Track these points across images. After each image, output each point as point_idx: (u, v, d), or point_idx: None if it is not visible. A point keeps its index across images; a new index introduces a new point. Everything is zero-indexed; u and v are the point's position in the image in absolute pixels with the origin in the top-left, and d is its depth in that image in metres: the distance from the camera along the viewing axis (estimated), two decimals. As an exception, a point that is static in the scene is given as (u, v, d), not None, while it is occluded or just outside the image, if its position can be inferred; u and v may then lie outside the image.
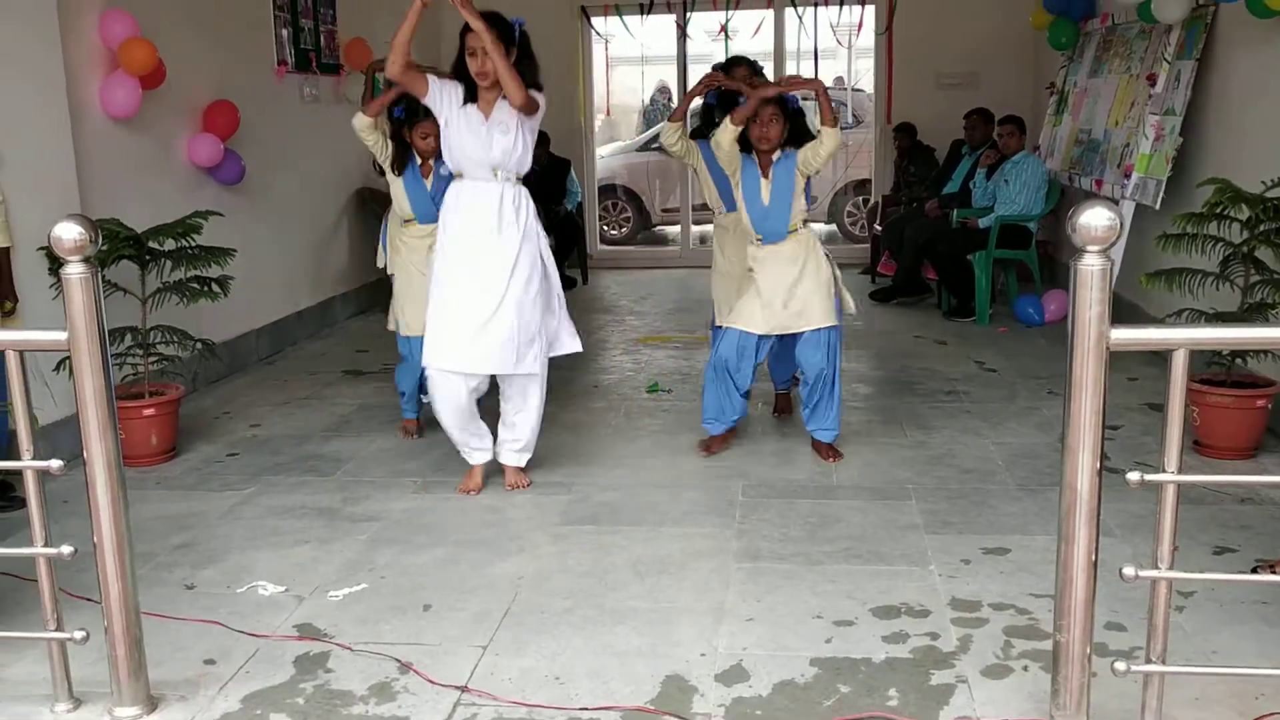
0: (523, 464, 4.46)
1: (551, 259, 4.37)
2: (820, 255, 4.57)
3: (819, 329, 4.52)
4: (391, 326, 5.11)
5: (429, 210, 4.82)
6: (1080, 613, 2.40)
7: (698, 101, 5.03)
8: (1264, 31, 4.99)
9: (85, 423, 2.58)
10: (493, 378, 4.36)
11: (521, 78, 4.03)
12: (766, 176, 4.48)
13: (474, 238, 4.17)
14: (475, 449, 4.40)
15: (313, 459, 4.85)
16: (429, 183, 4.87)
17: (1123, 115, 6.51)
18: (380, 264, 5.22)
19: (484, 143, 4.13)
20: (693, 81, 10.62)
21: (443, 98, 4.16)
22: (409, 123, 4.82)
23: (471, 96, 4.15)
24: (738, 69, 5.07)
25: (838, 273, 4.62)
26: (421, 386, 4.94)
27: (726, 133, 4.41)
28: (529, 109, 4.09)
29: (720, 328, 5.07)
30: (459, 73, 4.16)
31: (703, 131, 5.03)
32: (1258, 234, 4.36)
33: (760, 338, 4.57)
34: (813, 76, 4.46)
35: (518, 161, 4.18)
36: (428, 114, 4.60)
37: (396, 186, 4.90)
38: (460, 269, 4.17)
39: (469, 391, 4.26)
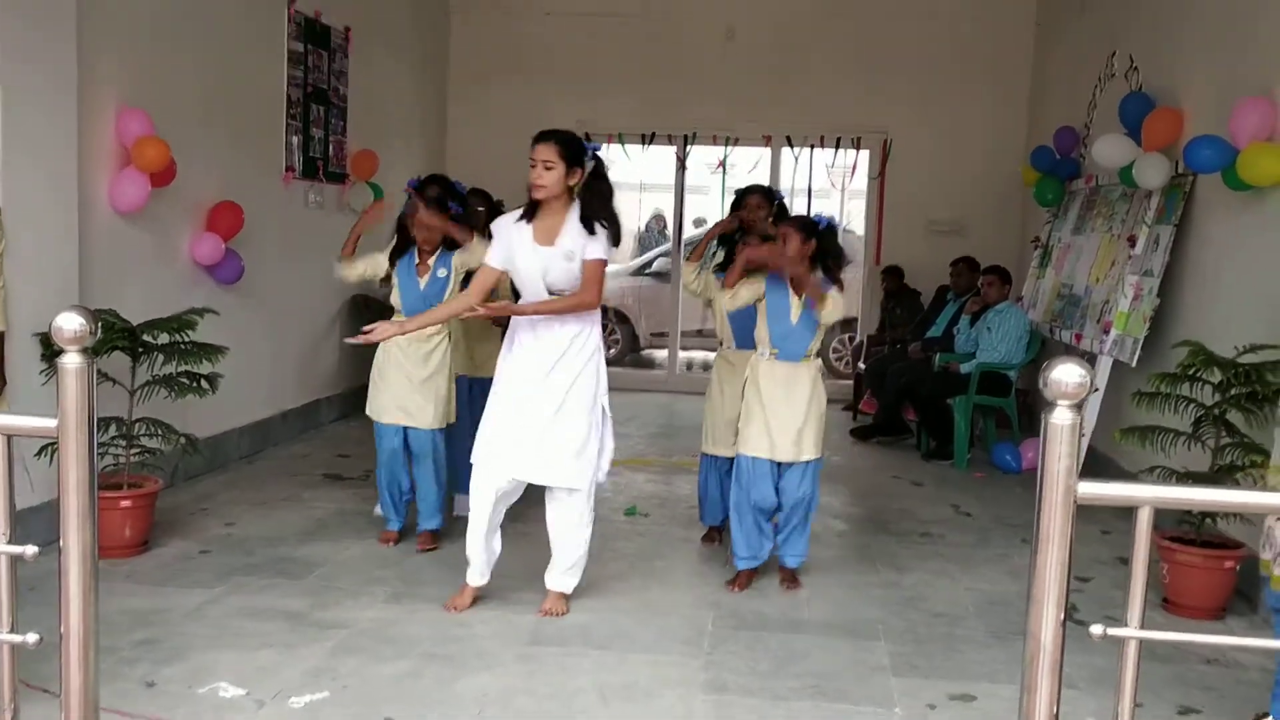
0: (567, 589, 4.36)
1: (605, 381, 4.33)
2: (823, 387, 4.67)
3: (807, 461, 4.60)
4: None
5: (419, 309, 4.81)
6: (1041, 765, 2.39)
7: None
8: (1239, 202, 5.18)
9: (65, 512, 2.58)
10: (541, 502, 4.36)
11: (593, 202, 4.09)
12: (800, 297, 4.56)
13: (535, 354, 4.16)
14: (478, 567, 4.31)
15: (285, 561, 4.82)
16: (423, 281, 4.91)
17: (1103, 273, 6.69)
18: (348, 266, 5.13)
19: (542, 269, 4.11)
20: (690, 211, 10.92)
21: (507, 245, 4.15)
22: (410, 210, 4.88)
23: (530, 214, 4.14)
24: (751, 198, 5.21)
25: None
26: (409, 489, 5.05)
27: (744, 291, 4.57)
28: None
29: (707, 455, 5.12)
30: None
31: (726, 264, 5.07)
32: (1229, 397, 4.46)
33: (771, 460, 4.61)
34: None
35: (575, 284, 4.15)
36: (432, 202, 4.81)
37: (392, 276, 4.94)
38: (520, 379, 4.18)
39: (499, 496, 4.23)
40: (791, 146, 9.86)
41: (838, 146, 9.85)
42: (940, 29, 9.43)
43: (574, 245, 4.09)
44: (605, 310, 11.96)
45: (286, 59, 6.99)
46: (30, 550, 2.57)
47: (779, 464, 4.62)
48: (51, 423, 2.59)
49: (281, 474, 6.40)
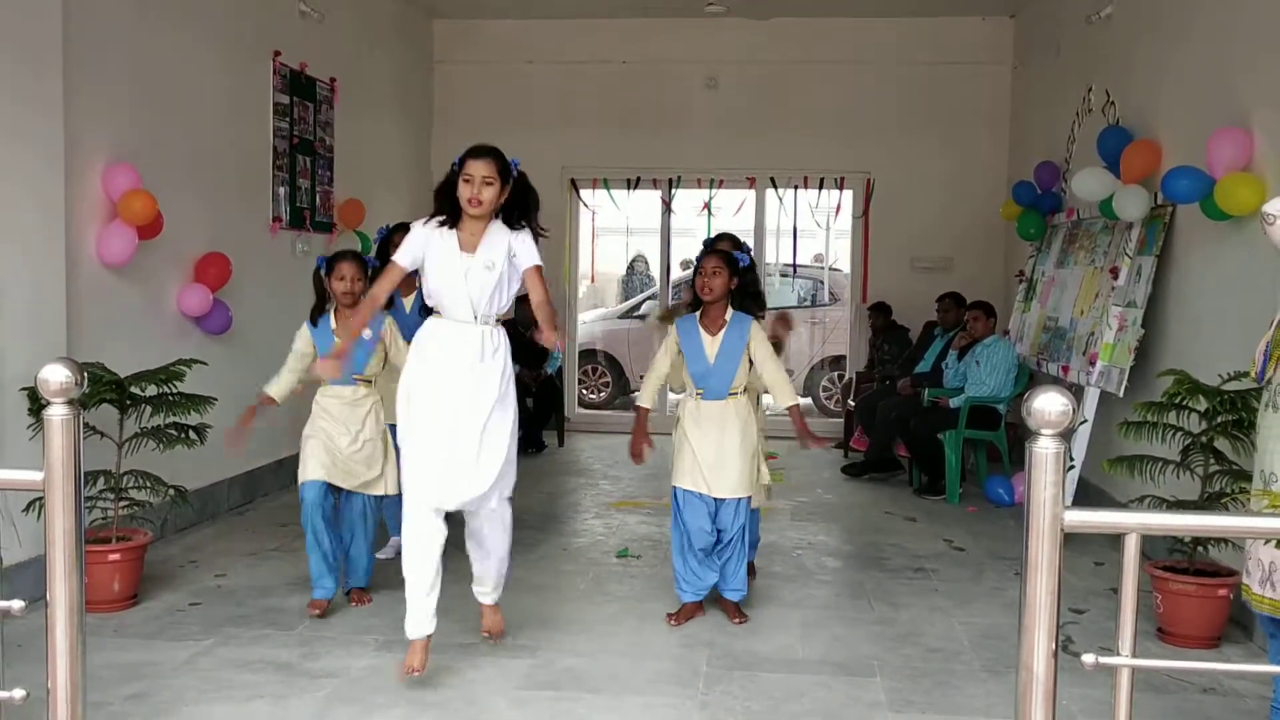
0: (498, 600, 4.35)
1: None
2: (752, 424, 4.69)
3: (739, 497, 4.62)
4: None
5: (344, 375, 4.56)
6: (1037, 797, 2.37)
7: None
8: (1218, 232, 5.24)
9: (51, 564, 2.57)
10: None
11: (517, 211, 4.00)
12: (714, 335, 4.63)
13: (454, 377, 3.97)
14: (425, 614, 4.00)
15: (276, 612, 4.79)
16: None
17: (1088, 305, 6.74)
18: (270, 390, 4.86)
19: (463, 275, 3.95)
20: (677, 252, 10.97)
21: (422, 248, 4.01)
22: (328, 268, 4.72)
23: (453, 222, 4.00)
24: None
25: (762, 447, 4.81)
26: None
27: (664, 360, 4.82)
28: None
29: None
30: (445, 194, 4.01)
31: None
32: (1215, 425, 4.48)
33: (705, 495, 4.63)
34: None
35: (499, 306, 4.04)
36: (351, 256, 4.77)
37: (306, 341, 4.77)
38: (438, 408, 3.96)
39: (442, 534, 4.03)
40: (775, 188, 9.94)
41: (821, 187, 9.94)
42: (919, 73, 9.55)
43: (495, 255, 3.96)
44: (594, 353, 12.09)
45: (272, 111, 7.03)
46: (17, 604, 2.55)
47: (715, 499, 4.64)
48: (38, 476, 2.58)
49: (272, 524, 6.37)
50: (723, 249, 4.80)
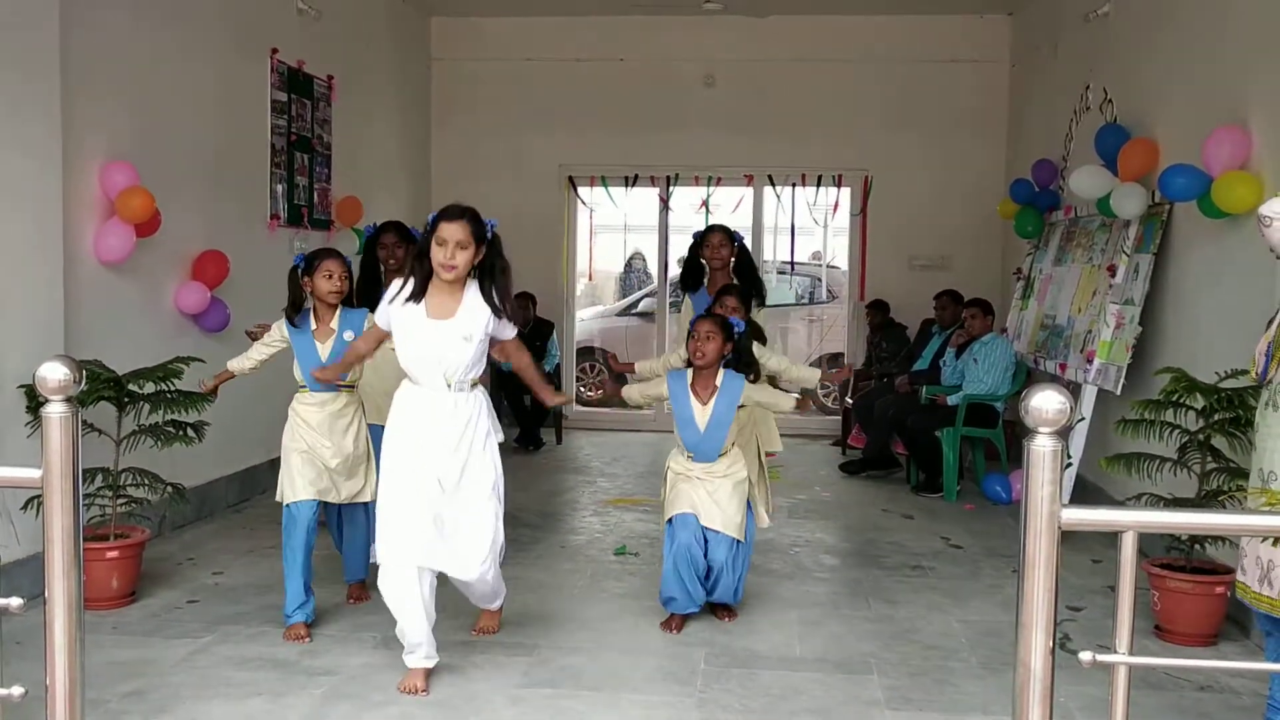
0: (497, 607, 4.42)
1: (500, 469, 4.05)
2: (745, 480, 4.63)
3: (729, 537, 4.56)
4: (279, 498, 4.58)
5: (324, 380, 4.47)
6: (1035, 795, 2.37)
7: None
8: (1216, 230, 5.24)
9: (50, 562, 2.57)
10: None
11: (494, 282, 3.86)
12: (705, 404, 4.54)
13: (430, 452, 3.86)
14: (429, 645, 3.93)
15: (273, 609, 4.78)
16: (325, 347, 4.49)
17: (1085, 303, 6.74)
18: (235, 367, 4.71)
19: (439, 345, 3.83)
20: (675, 250, 10.98)
21: (389, 323, 3.92)
22: (308, 268, 4.49)
23: (419, 293, 3.84)
24: (713, 236, 5.28)
25: (755, 493, 4.82)
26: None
27: (636, 392, 4.81)
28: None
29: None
30: (418, 258, 3.86)
31: (687, 282, 5.40)
32: (1212, 423, 4.48)
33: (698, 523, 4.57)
34: None
35: (474, 374, 3.92)
36: (335, 253, 4.57)
37: (282, 339, 4.55)
38: (421, 472, 3.86)
39: (430, 587, 3.93)
40: (773, 185, 9.94)
41: (819, 184, 9.94)
42: (916, 70, 9.54)
43: (474, 327, 3.84)
44: (591, 350, 12.08)
45: (270, 108, 7.03)
46: (15, 602, 2.55)
47: (705, 535, 4.55)
48: (36, 473, 2.58)
49: (270, 521, 6.35)
50: (718, 315, 4.66)
